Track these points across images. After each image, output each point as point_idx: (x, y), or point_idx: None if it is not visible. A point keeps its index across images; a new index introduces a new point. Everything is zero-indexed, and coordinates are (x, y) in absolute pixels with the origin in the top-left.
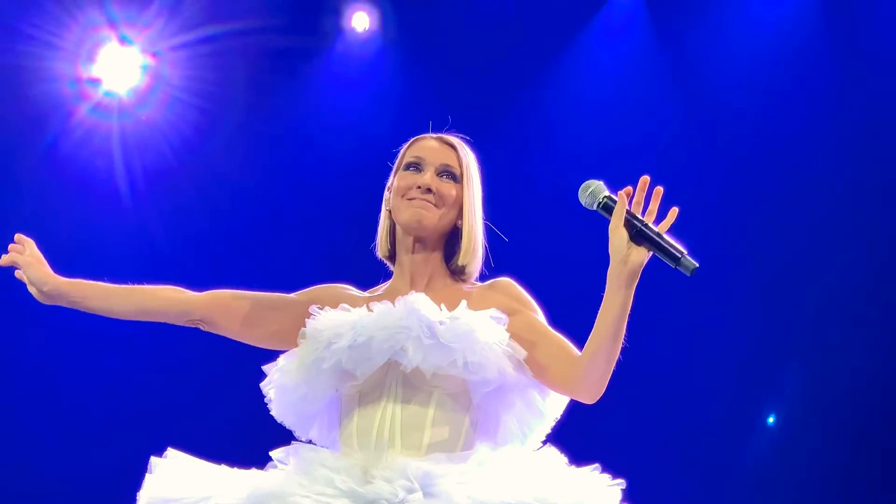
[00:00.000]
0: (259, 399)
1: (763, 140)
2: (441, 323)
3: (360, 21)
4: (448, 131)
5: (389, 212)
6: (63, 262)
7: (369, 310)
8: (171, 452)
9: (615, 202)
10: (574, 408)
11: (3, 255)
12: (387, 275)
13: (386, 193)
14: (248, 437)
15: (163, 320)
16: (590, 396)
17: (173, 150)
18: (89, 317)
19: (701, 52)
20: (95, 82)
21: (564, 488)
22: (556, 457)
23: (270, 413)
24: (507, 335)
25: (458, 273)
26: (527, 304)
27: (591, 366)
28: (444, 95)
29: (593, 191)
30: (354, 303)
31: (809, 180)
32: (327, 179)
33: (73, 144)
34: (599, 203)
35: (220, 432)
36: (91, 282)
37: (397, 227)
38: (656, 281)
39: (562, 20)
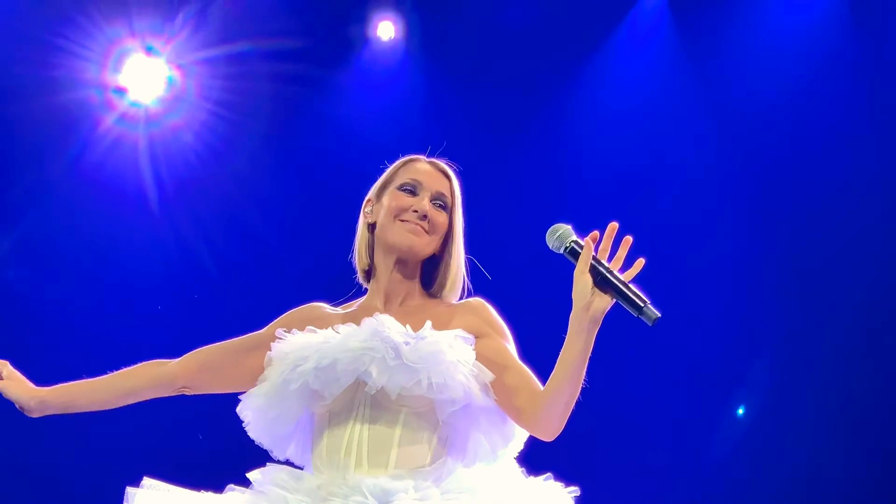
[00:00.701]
0: (236, 422)
1: (787, 147)
2: (406, 343)
3: (386, 30)
4: (438, 157)
5: (370, 225)
6: (89, 269)
7: (335, 331)
8: (147, 482)
9: (581, 247)
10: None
11: None
12: (359, 289)
13: (367, 206)
14: (228, 460)
15: (150, 398)
16: (546, 433)
17: (199, 159)
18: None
19: (727, 59)
20: (121, 92)
21: (520, 500)
22: (512, 469)
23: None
24: (473, 355)
25: (435, 292)
26: (497, 329)
27: (551, 405)
28: (469, 104)
29: (560, 235)
30: (325, 322)
31: (851, 191)
32: (352, 188)
33: (101, 153)
34: (566, 248)
35: (199, 455)
36: (71, 384)
37: (378, 244)
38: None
39: (586, 29)
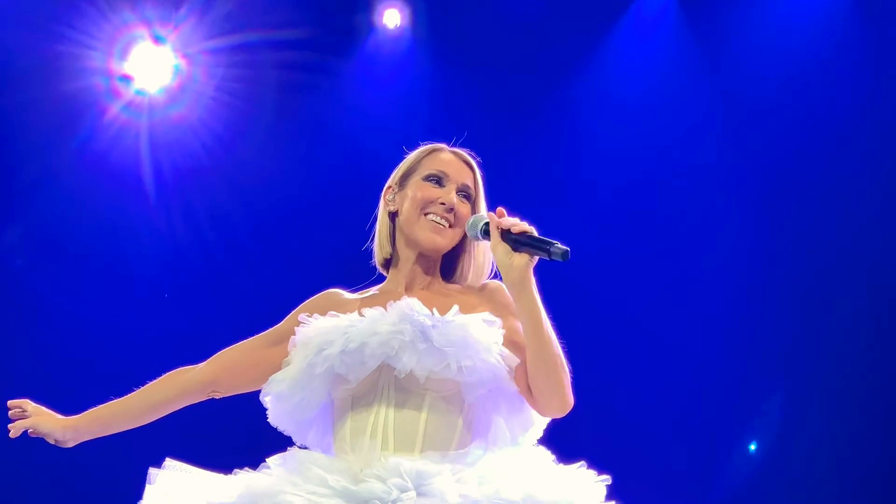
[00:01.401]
0: (256, 406)
1: (801, 139)
2: (434, 327)
3: (392, 18)
4: (459, 146)
5: (391, 214)
6: (96, 258)
7: (361, 315)
8: (170, 463)
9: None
10: (554, 434)
11: (12, 427)
12: (377, 274)
13: (387, 193)
14: (246, 446)
15: (181, 406)
16: (549, 407)
17: (204, 148)
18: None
19: (734, 46)
20: (127, 80)
21: (553, 485)
22: (544, 455)
23: (268, 421)
24: (501, 338)
25: (454, 278)
26: (513, 310)
27: (534, 374)
28: (475, 93)
29: (473, 222)
30: (345, 308)
31: (860, 182)
32: (358, 176)
33: (106, 142)
34: (481, 230)
35: (219, 440)
36: (101, 408)
37: (400, 235)
38: (643, 307)
39: (593, 17)
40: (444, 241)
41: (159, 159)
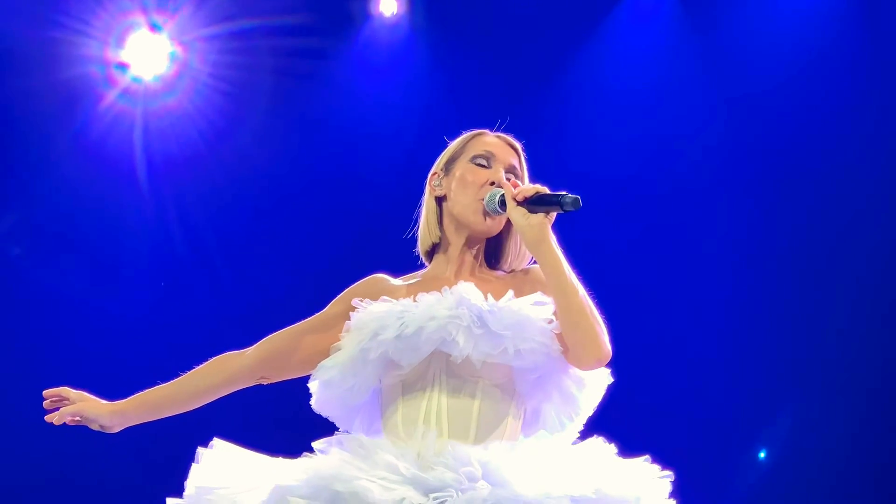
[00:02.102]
0: (294, 392)
1: (798, 131)
2: (490, 312)
3: (388, 6)
4: (502, 130)
5: (438, 199)
6: (92, 246)
7: (414, 300)
8: (218, 442)
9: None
10: None
11: (56, 414)
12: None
13: (433, 179)
14: (282, 431)
15: (229, 392)
16: (587, 357)
17: (200, 135)
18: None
19: (730, 38)
20: (123, 67)
21: (621, 480)
22: (606, 447)
23: (311, 406)
24: (554, 319)
25: (498, 264)
26: None
27: (567, 326)
28: (472, 81)
29: (490, 197)
30: (394, 294)
31: (833, 182)
32: (354, 165)
33: (102, 129)
34: (498, 202)
35: (254, 425)
36: (148, 392)
37: (449, 218)
38: (653, 311)
39: (590, 5)
40: (495, 222)
41: (155, 147)
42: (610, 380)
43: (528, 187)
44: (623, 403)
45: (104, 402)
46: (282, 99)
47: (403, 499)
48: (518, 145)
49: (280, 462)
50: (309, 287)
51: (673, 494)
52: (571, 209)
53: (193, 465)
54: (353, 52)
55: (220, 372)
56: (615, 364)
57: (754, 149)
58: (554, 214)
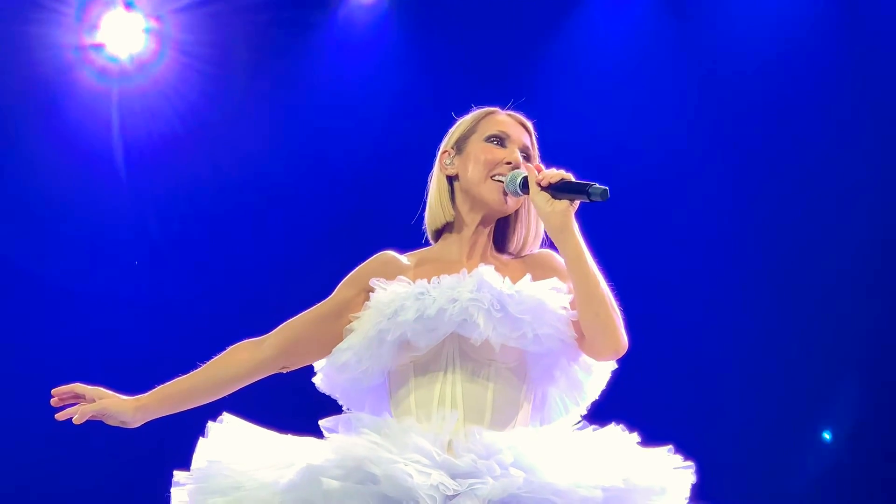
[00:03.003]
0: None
1: (777, 115)
2: (510, 295)
3: None
4: (514, 109)
5: (450, 178)
6: (66, 227)
7: (429, 282)
8: (228, 417)
9: (527, 178)
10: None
11: (75, 413)
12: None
13: (444, 157)
14: (286, 409)
15: (250, 382)
16: (604, 348)
17: (178, 114)
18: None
19: (709, 21)
20: (99, 47)
21: (647, 469)
22: (628, 437)
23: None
24: (569, 304)
25: (506, 248)
26: (566, 275)
27: (586, 315)
28: (449, 60)
29: (511, 178)
30: (406, 274)
31: (837, 158)
32: (333, 143)
33: (77, 110)
34: (519, 184)
35: (254, 401)
36: (168, 385)
37: (463, 197)
38: (710, 294)
39: None
40: (512, 201)
41: (131, 126)
42: (615, 366)
43: (553, 172)
44: (684, 386)
45: (125, 397)
46: (259, 77)
47: (440, 483)
48: (530, 125)
49: (297, 440)
50: (288, 268)
51: (735, 480)
52: (599, 200)
53: (201, 439)
54: (331, 31)
55: (242, 363)
56: (681, 346)
57: (733, 132)
58: (578, 203)
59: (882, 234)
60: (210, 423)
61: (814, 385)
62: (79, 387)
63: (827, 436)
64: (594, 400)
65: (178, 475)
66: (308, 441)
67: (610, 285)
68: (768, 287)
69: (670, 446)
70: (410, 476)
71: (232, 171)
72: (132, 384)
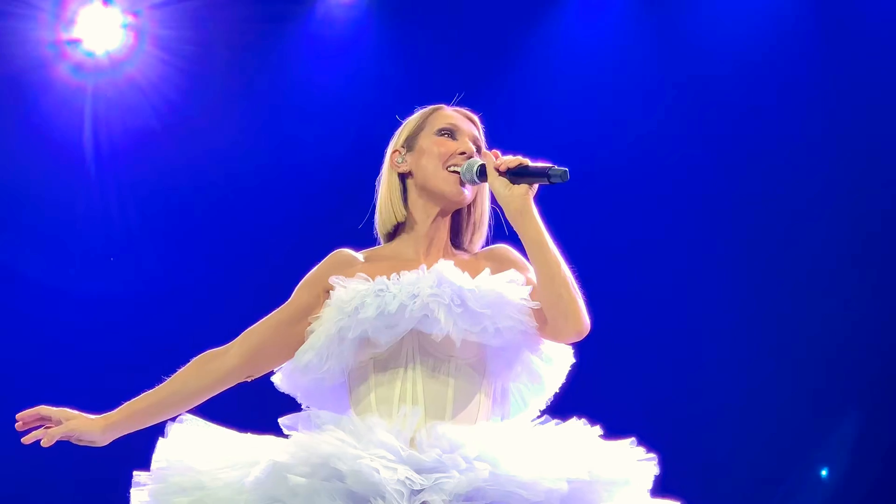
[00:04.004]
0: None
1: (753, 115)
2: (470, 290)
3: None
4: (459, 104)
5: (402, 176)
6: (41, 224)
7: (388, 278)
8: (189, 417)
9: (484, 165)
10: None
11: (42, 436)
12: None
13: (395, 156)
14: (238, 405)
15: (216, 394)
16: (566, 330)
17: (154, 110)
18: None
19: (687, 19)
20: (76, 43)
21: (612, 462)
22: (591, 430)
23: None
24: (528, 295)
25: (461, 244)
26: (523, 267)
27: (548, 297)
28: (427, 61)
29: (468, 166)
30: (365, 270)
31: (812, 161)
32: (309, 140)
33: (52, 105)
34: (476, 172)
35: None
36: (134, 403)
37: (417, 193)
38: (709, 326)
39: None
40: (470, 191)
41: (106, 121)
42: (573, 360)
43: (511, 158)
44: (679, 419)
45: (91, 416)
46: (236, 74)
47: (406, 478)
48: (476, 118)
49: (258, 438)
50: (263, 266)
51: None
52: (559, 181)
53: (161, 439)
54: (308, 28)
55: (207, 375)
56: (663, 374)
57: (710, 130)
58: (537, 186)
59: (881, 263)
60: (170, 423)
61: (813, 423)
62: (44, 409)
63: (824, 473)
64: (554, 393)
65: (138, 475)
66: (270, 439)
67: (572, 268)
68: (767, 321)
69: (633, 438)
70: (377, 471)
71: (208, 167)
72: (106, 381)
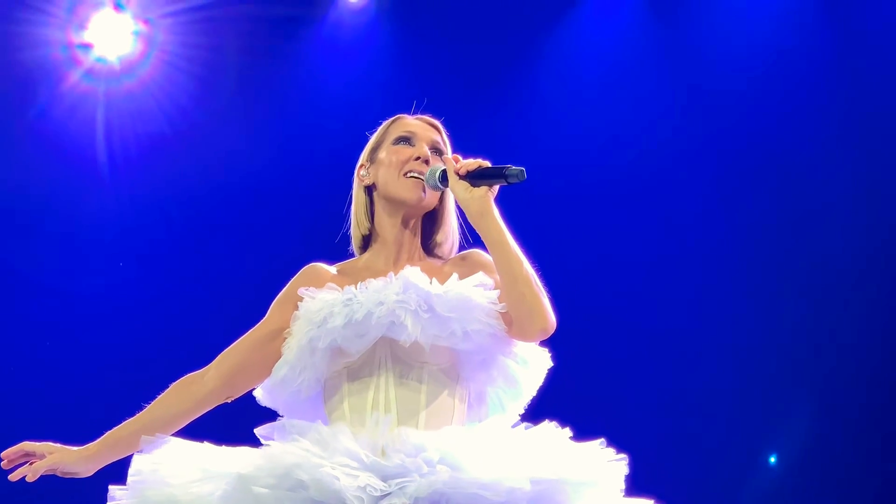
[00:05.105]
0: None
1: (760, 122)
2: (437, 295)
3: None
4: (424, 113)
5: (367, 188)
6: (53, 230)
7: (357, 287)
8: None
9: (445, 169)
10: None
11: (27, 472)
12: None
13: (360, 170)
14: (220, 420)
15: (195, 418)
16: (532, 328)
17: (166, 116)
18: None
19: (697, 29)
20: (87, 47)
21: (580, 463)
22: (561, 432)
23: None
24: (497, 298)
25: (433, 250)
26: (493, 269)
27: (512, 297)
28: (437, 66)
29: (431, 172)
30: (336, 282)
31: (816, 174)
32: (321, 148)
33: (64, 110)
34: (438, 177)
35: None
36: (115, 432)
37: (380, 203)
38: (659, 314)
39: None
40: (430, 194)
41: (118, 127)
42: (550, 363)
43: (471, 161)
44: (631, 406)
45: (74, 448)
46: (247, 80)
47: (367, 485)
48: (438, 123)
49: (233, 451)
50: (274, 271)
51: (686, 500)
52: (516, 181)
53: (136, 455)
54: (319, 35)
55: (186, 399)
56: (616, 362)
57: (718, 136)
58: (497, 187)
59: (840, 255)
60: (144, 437)
61: (762, 411)
62: (27, 445)
63: (772, 459)
64: (531, 396)
65: (113, 490)
66: (242, 451)
67: (534, 265)
68: (719, 311)
69: (602, 440)
70: (337, 479)
71: (219, 172)
72: (115, 385)
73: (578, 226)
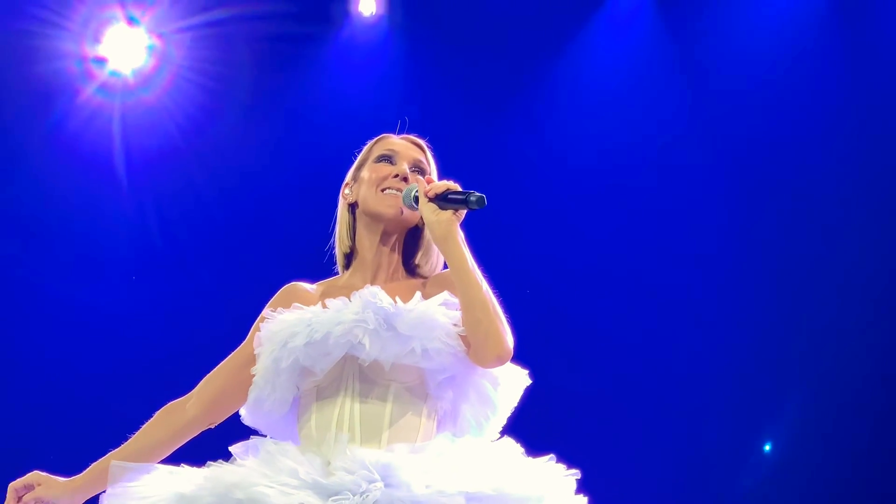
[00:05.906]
0: None
1: (772, 135)
2: (397, 314)
3: (367, 5)
4: (409, 132)
5: (350, 206)
6: (68, 242)
7: (324, 306)
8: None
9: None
10: (559, 429)
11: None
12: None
13: (345, 189)
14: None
15: (180, 445)
16: (487, 354)
17: (179, 130)
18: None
19: (708, 43)
20: (101, 61)
21: (523, 479)
22: (513, 447)
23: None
24: (460, 318)
25: (415, 269)
26: None
27: (470, 321)
28: (450, 82)
29: (406, 192)
30: (307, 302)
31: (818, 180)
32: (334, 162)
33: (79, 124)
34: (413, 198)
35: None
36: (103, 461)
37: (360, 220)
38: (657, 304)
39: (570, 7)
40: (406, 213)
41: (133, 141)
42: (528, 381)
43: (440, 184)
44: (624, 398)
45: (61, 479)
46: (260, 94)
47: (301, 503)
48: (422, 142)
49: (182, 470)
50: (287, 280)
51: (680, 489)
52: (476, 207)
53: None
54: (332, 51)
55: (168, 428)
56: (614, 356)
57: (734, 147)
58: (463, 212)
59: (830, 249)
60: (114, 463)
61: (758, 399)
62: (15, 484)
63: (767, 447)
64: (507, 415)
65: None
66: (188, 471)
67: (495, 290)
68: (714, 300)
69: (552, 455)
70: (269, 497)
71: (233, 186)
72: (130, 393)
73: (592, 233)
